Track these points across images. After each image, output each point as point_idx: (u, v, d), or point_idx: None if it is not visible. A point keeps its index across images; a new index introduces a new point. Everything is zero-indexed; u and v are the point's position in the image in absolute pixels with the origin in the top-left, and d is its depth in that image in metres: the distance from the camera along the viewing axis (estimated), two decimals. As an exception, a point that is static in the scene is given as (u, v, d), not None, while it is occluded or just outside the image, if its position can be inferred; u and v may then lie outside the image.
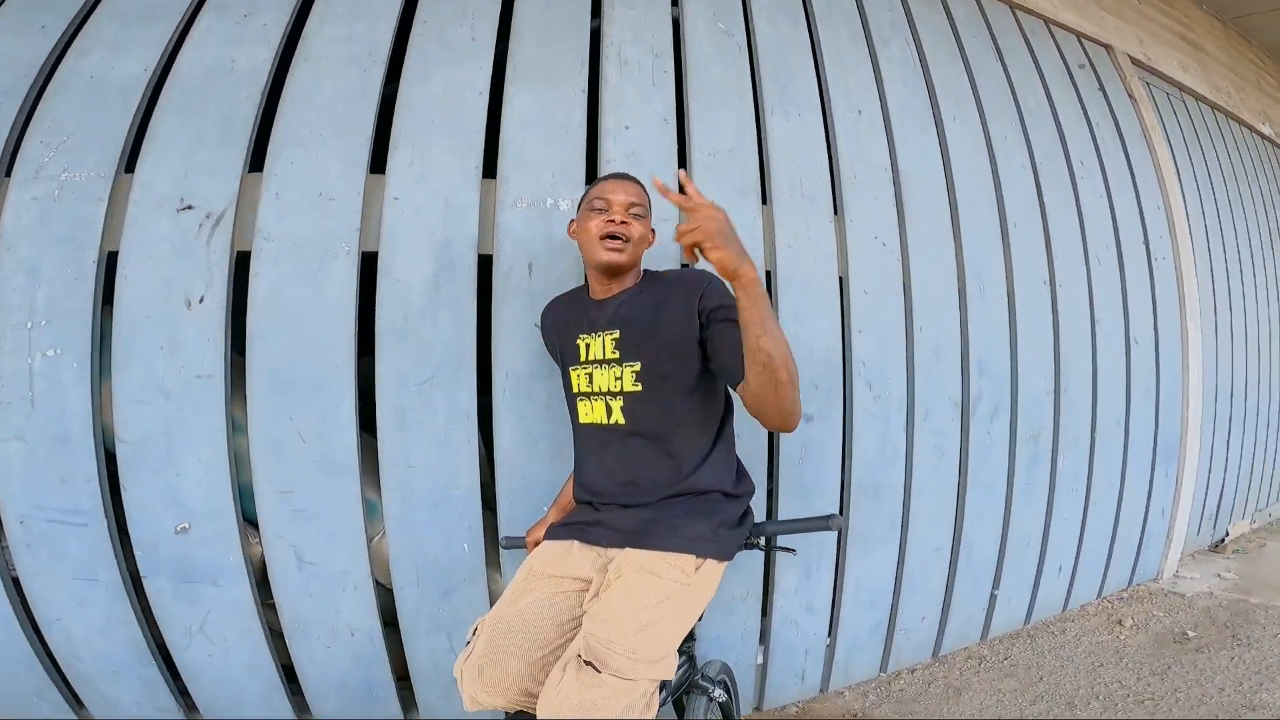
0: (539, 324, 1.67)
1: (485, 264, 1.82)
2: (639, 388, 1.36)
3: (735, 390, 1.29)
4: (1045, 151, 2.86)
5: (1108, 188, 3.04)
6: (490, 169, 1.87)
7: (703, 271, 1.40)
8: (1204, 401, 3.29)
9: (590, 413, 1.43)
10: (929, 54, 2.62)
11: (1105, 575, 2.99)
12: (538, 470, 1.80)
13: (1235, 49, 4.39)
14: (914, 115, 2.51)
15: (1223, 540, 3.61)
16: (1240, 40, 4.51)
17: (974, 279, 2.46)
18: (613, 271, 1.42)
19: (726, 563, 1.34)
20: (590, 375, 1.43)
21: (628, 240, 1.40)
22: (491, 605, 1.87)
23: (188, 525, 1.70)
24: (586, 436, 1.46)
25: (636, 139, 1.98)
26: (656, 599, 1.20)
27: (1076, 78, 3.21)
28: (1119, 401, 2.90)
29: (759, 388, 1.17)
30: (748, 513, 1.43)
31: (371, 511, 1.80)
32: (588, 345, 1.44)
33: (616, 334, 1.40)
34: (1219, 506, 3.60)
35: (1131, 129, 3.30)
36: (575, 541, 1.39)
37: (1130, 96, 3.40)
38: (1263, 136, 4.28)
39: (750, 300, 1.10)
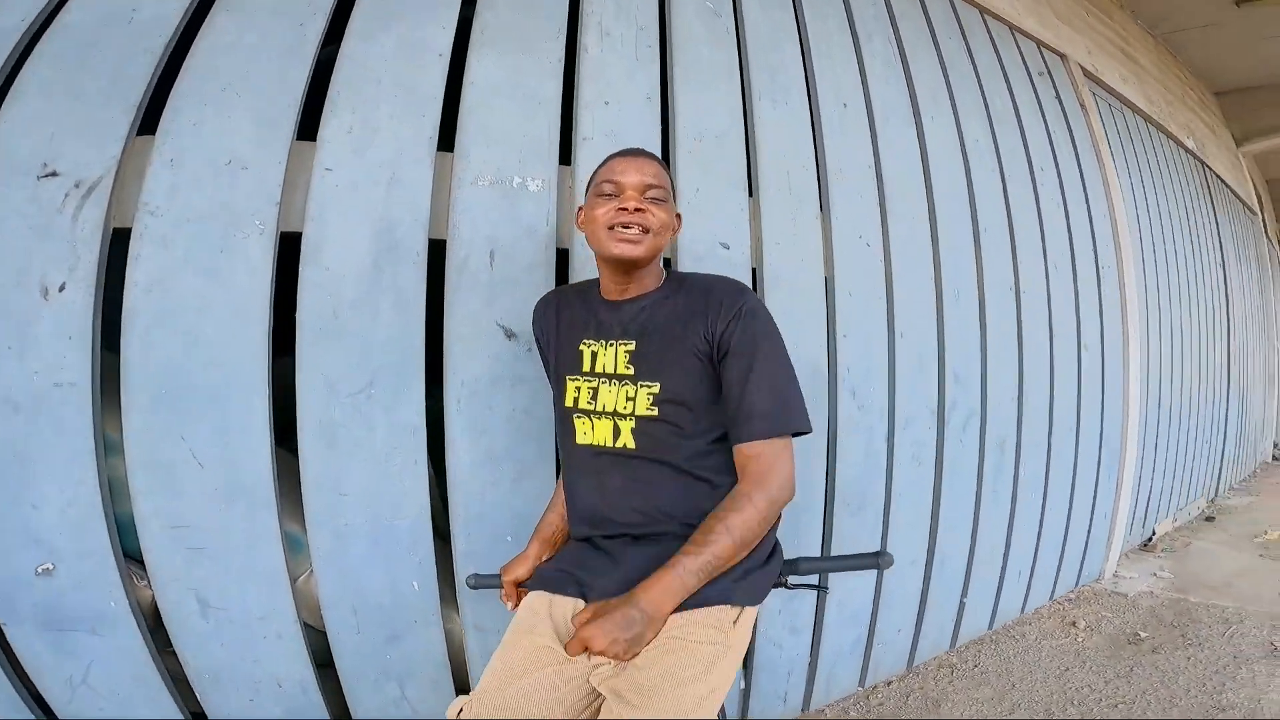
0: (536, 327, 1.33)
1: (437, 251, 1.51)
2: (655, 412, 1.10)
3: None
4: (1011, 156, 2.76)
5: (1063, 195, 2.99)
6: (447, 142, 1.55)
7: (739, 286, 1.14)
8: (1140, 405, 3.32)
9: (590, 433, 1.16)
10: (908, 51, 2.45)
11: (1057, 578, 2.96)
12: (500, 495, 1.51)
13: (1164, 64, 4.50)
14: (896, 113, 2.34)
15: (1150, 539, 3.68)
16: (1168, 56, 4.63)
17: (950, 283, 2.32)
18: (627, 267, 1.14)
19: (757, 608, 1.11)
20: (595, 390, 1.15)
21: (645, 230, 1.12)
22: (450, 650, 1.57)
23: (51, 566, 1.32)
24: (583, 460, 1.18)
25: (617, 116, 1.71)
26: (695, 671, 0.96)
27: (1037, 85, 3.15)
28: (1071, 407, 2.86)
29: None
30: (776, 548, 1.19)
31: (295, 547, 1.47)
32: (594, 354, 1.17)
33: (632, 345, 1.13)
34: (1147, 507, 3.66)
35: (1083, 138, 3.28)
36: (578, 600, 1.11)
37: (1081, 106, 3.38)
38: (1186, 150, 4.40)
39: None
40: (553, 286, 1.52)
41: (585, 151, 1.64)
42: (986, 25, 2.98)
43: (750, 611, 1.09)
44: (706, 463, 1.11)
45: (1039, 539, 2.79)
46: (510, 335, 1.48)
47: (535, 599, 1.14)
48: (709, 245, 1.73)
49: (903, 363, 2.13)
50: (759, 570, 1.11)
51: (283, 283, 1.41)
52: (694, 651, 0.97)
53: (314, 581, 1.48)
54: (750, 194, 1.88)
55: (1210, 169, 4.77)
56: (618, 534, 1.12)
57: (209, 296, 1.36)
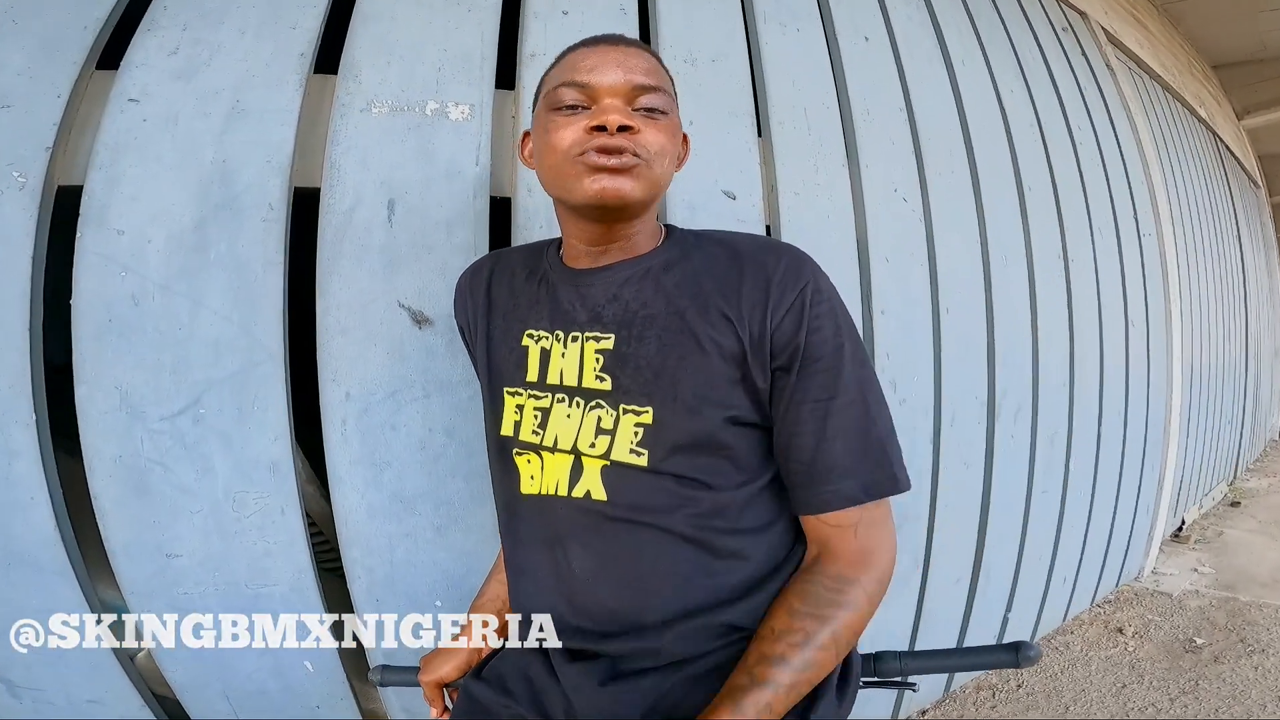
0: (459, 311, 0.75)
1: (308, 203, 0.91)
2: (642, 458, 0.57)
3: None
4: (1047, 111, 2.11)
5: (1102, 156, 2.34)
6: (329, 62, 0.96)
7: (793, 253, 0.59)
8: (1183, 387, 2.67)
9: (538, 478, 0.61)
10: (931, -13, 1.81)
11: (1099, 580, 2.33)
12: (416, 552, 0.93)
13: (1169, 33, 3.79)
14: (923, 51, 1.71)
15: (1180, 529, 3.03)
16: (1170, 26, 3.92)
17: (997, 249, 1.69)
18: (610, 217, 0.59)
19: None
20: (544, 413, 0.61)
21: (638, 158, 0.57)
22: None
23: None
24: (530, 517, 0.63)
25: (579, 27, 1.10)
26: None
27: (1062, 40, 2.49)
28: (1120, 391, 2.22)
29: None
30: (852, 655, 0.63)
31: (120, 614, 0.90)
32: (545, 353, 0.62)
33: (609, 341, 0.60)
34: (1177, 494, 3.01)
35: (1114, 99, 2.61)
36: None
37: (1108, 66, 2.71)
38: (1199, 119, 3.69)
39: None
40: (483, 251, 0.92)
41: (533, 72, 1.04)
42: (1011, -32, 2.31)
43: None
44: (733, 522, 0.58)
45: (1085, 540, 2.16)
46: (420, 321, 0.89)
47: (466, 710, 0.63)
48: (708, 193, 1.12)
49: (949, 345, 1.51)
50: (835, 703, 0.59)
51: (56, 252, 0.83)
52: None
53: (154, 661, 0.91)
54: (759, 134, 1.27)
55: (1221, 140, 4.06)
56: (587, 650, 0.59)
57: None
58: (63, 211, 0.84)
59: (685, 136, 0.66)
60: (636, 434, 0.56)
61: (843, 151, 1.37)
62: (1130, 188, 2.46)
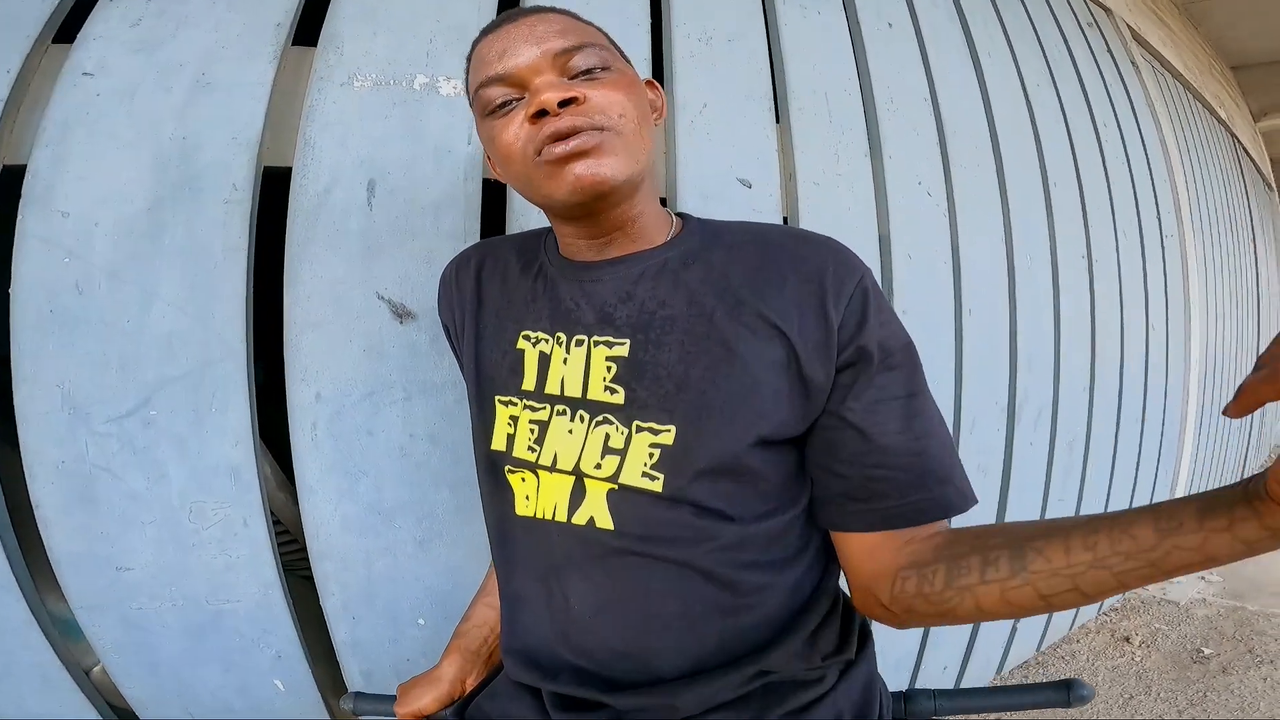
0: (443, 306, 0.65)
1: (278, 185, 0.80)
2: (657, 482, 0.46)
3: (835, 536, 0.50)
4: (1072, 106, 1.97)
5: (1126, 155, 2.20)
6: (309, 35, 0.84)
7: (837, 247, 0.50)
8: (1199, 393, 2.53)
9: (533, 499, 0.52)
10: (958, -27, 1.67)
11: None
12: (396, 567, 0.82)
13: (1189, 33, 3.61)
14: (948, 41, 1.57)
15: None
16: (1191, 27, 3.74)
17: (1021, 247, 1.57)
18: (596, 207, 0.48)
19: None
20: (540, 427, 0.51)
21: (599, 130, 0.45)
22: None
23: None
24: (525, 543, 0.53)
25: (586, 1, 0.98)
26: None
27: (1087, 35, 2.34)
28: (1139, 396, 2.10)
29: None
30: (880, 692, 0.55)
31: (72, 634, 0.80)
32: (545, 357, 0.52)
33: (624, 346, 0.49)
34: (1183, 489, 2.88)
35: (1139, 97, 2.47)
36: None
37: (1133, 64, 2.56)
38: (1219, 119, 3.52)
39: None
40: (474, 239, 0.81)
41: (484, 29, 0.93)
42: (1037, -43, 2.16)
43: None
44: (757, 555, 0.49)
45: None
46: (402, 315, 0.78)
47: None
48: (722, 180, 1.00)
49: (971, 347, 1.39)
50: None
51: None
52: None
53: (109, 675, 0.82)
54: (777, 120, 1.14)
55: (1239, 141, 3.88)
56: (588, 699, 0.49)
57: None
58: (11, 194, 0.73)
59: (652, 83, 0.55)
60: (652, 455, 0.46)
61: (865, 141, 1.25)
62: (1154, 188, 2.32)
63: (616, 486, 0.48)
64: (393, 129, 0.80)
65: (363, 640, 0.81)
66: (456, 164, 0.81)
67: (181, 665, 0.78)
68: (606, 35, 0.52)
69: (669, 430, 0.46)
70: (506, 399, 0.53)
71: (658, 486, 0.46)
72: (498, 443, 0.53)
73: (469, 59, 0.51)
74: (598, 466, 0.48)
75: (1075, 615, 2.09)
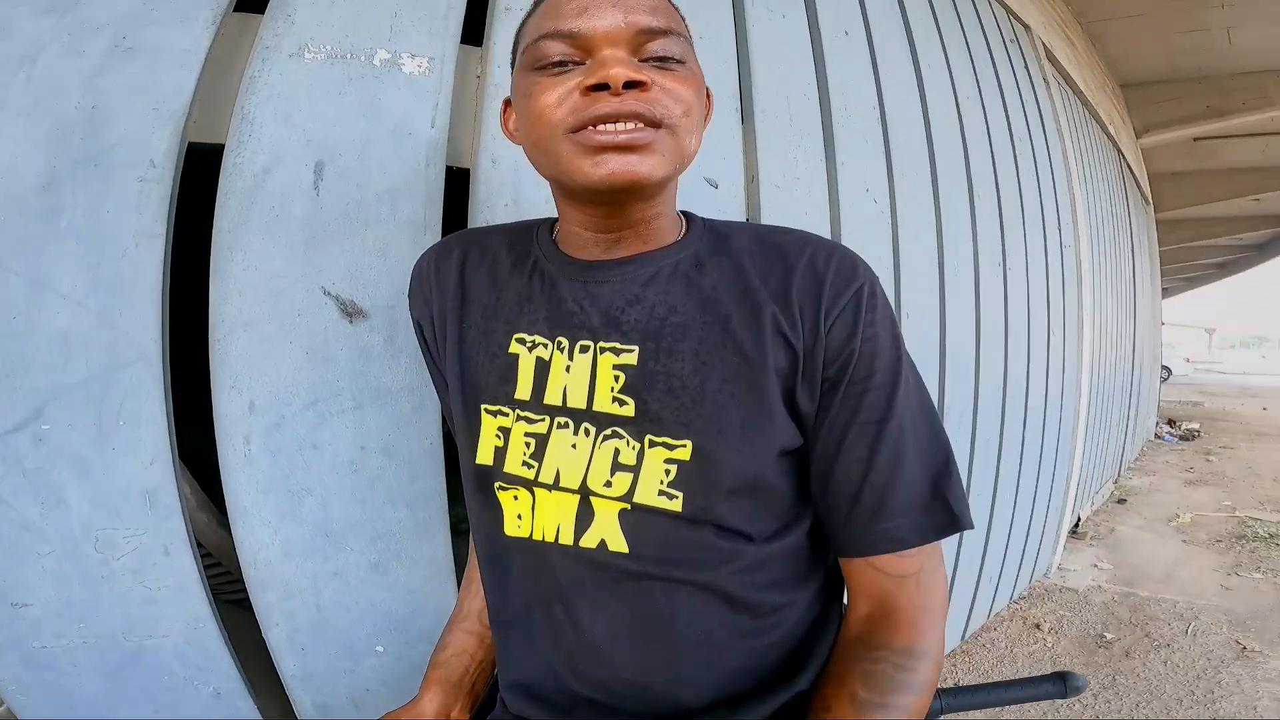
0: (415, 302, 0.60)
1: (206, 163, 0.71)
2: (675, 501, 0.45)
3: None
4: (995, 122, 2.16)
5: (1036, 169, 2.44)
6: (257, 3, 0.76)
7: (843, 252, 0.50)
8: (1089, 392, 2.87)
9: (527, 518, 0.49)
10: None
11: (1017, 577, 2.47)
12: (349, 593, 0.77)
13: (1089, 50, 4.04)
14: (896, 51, 1.67)
15: (1076, 525, 3.28)
16: (1090, 44, 4.19)
17: (951, 255, 1.70)
18: (624, 199, 0.46)
19: None
20: (541, 440, 0.48)
21: (655, 125, 0.43)
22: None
23: None
24: (517, 564, 0.51)
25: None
26: None
27: (1009, 51, 2.56)
28: (1041, 395, 2.35)
29: None
30: None
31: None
32: (541, 363, 0.49)
33: (633, 353, 0.47)
34: (1076, 492, 3.26)
35: (1048, 114, 2.74)
36: None
37: (1044, 80, 2.83)
38: (1108, 136, 3.98)
39: None
40: (436, 233, 0.77)
41: (506, 26, 0.88)
42: (969, -26, 2.33)
43: None
44: (777, 574, 0.50)
45: (1008, 539, 2.28)
46: (352, 313, 0.72)
47: None
48: (690, 178, 1.01)
49: (910, 351, 1.49)
50: None
51: None
52: None
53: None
54: (742, 120, 1.16)
55: (1125, 158, 4.40)
56: None
57: None
58: None
59: (709, 91, 0.53)
60: (669, 472, 0.45)
61: (821, 146, 1.30)
62: (1056, 201, 2.59)
63: (630, 506, 0.46)
64: (347, 107, 0.73)
65: (315, 672, 0.75)
66: (418, 148, 0.76)
67: (102, 708, 0.69)
68: (686, 26, 0.49)
69: (685, 445, 0.45)
70: (495, 408, 0.50)
71: (677, 506, 0.46)
72: (484, 456, 0.50)
73: (538, 1, 0.47)
74: (608, 484, 0.46)
75: (992, 603, 2.31)
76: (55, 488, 0.61)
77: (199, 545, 0.69)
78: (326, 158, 0.71)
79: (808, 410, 0.47)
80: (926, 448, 0.49)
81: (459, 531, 0.72)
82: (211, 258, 0.67)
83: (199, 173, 0.68)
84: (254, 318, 0.68)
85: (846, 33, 1.49)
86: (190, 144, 0.65)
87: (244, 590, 0.75)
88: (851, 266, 0.48)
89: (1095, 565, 2.85)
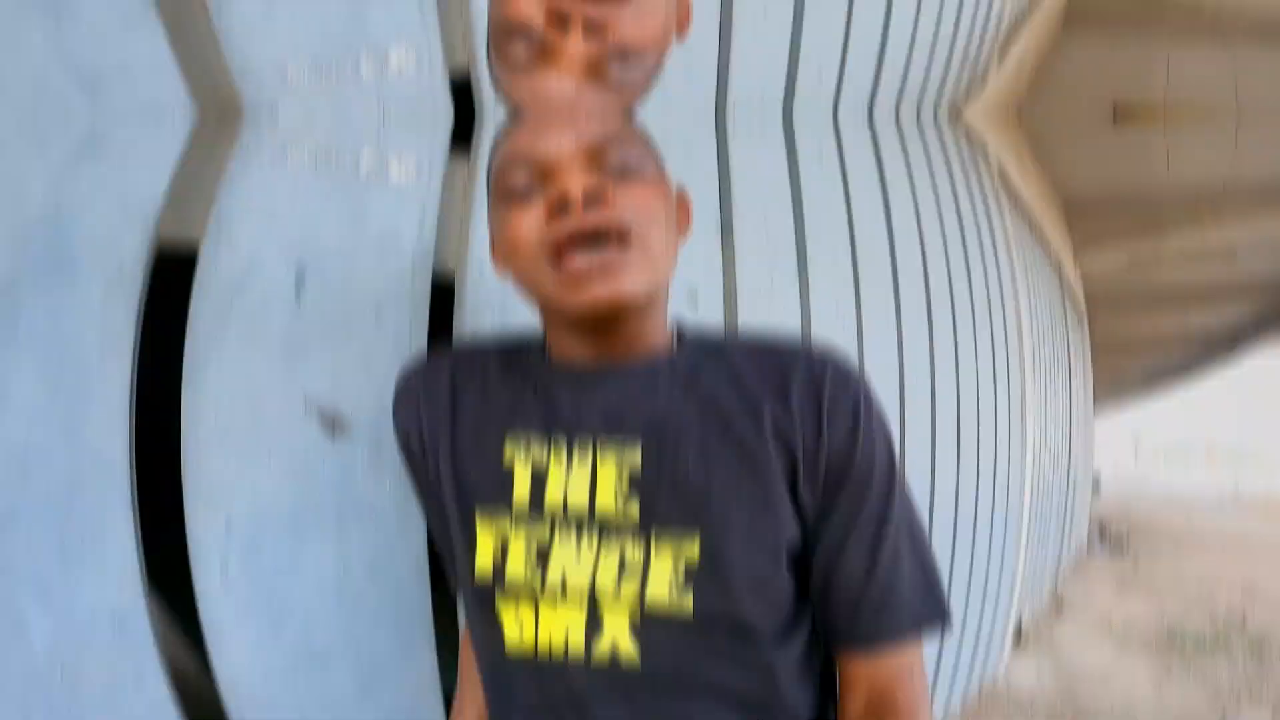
0: (400, 417, 0.62)
1: (177, 268, 0.71)
2: (687, 606, 0.47)
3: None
4: (953, 240, 2.36)
5: (986, 284, 2.66)
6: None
7: (837, 360, 0.52)
8: (1032, 491, 3.02)
9: (530, 631, 0.50)
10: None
11: (967, 686, 2.50)
12: (332, 713, 0.72)
13: (1038, 168, 4.44)
14: (864, 174, 1.84)
15: (1018, 631, 3.36)
16: (1038, 161, 4.60)
17: (911, 372, 1.82)
18: (605, 324, 0.49)
19: None
20: (542, 547, 0.49)
21: (623, 237, 0.46)
22: None
23: None
24: (525, 683, 0.51)
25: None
26: None
27: (968, 174, 2.82)
28: (989, 498, 2.46)
29: None
30: None
31: None
32: (538, 465, 0.51)
33: (636, 453, 0.49)
34: (1018, 599, 3.37)
35: (999, 234, 3.00)
36: None
37: (998, 199, 3.12)
38: (1049, 254, 4.36)
39: None
40: (420, 343, 0.79)
41: (493, 131, 0.93)
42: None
43: None
44: (785, 676, 0.51)
45: (959, 644, 2.32)
46: (334, 426, 0.72)
47: None
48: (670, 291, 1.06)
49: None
50: None
51: None
52: None
53: None
54: (721, 234, 1.25)
55: (1063, 273, 4.81)
56: None
57: None
58: None
59: (682, 195, 0.55)
60: (678, 574, 0.46)
61: (794, 257, 1.40)
62: (1005, 320, 2.80)
63: (640, 612, 0.47)
64: (331, 211, 0.74)
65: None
66: (403, 257, 0.79)
67: None
68: (648, 137, 0.52)
69: (693, 545, 0.47)
70: (492, 518, 0.51)
71: (688, 607, 0.47)
72: (482, 567, 0.50)
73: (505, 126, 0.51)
74: (615, 590, 0.47)
75: (944, 716, 2.32)
76: (15, 613, 0.56)
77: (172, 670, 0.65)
78: (309, 265, 0.72)
79: (810, 508, 0.49)
80: (919, 545, 0.53)
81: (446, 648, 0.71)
82: (185, 368, 0.66)
83: (171, 277, 0.68)
84: (230, 430, 0.67)
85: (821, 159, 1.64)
86: (162, 246, 0.65)
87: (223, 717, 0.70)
88: (847, 374, 0.51)
89: (1037, 672, 2.92)
